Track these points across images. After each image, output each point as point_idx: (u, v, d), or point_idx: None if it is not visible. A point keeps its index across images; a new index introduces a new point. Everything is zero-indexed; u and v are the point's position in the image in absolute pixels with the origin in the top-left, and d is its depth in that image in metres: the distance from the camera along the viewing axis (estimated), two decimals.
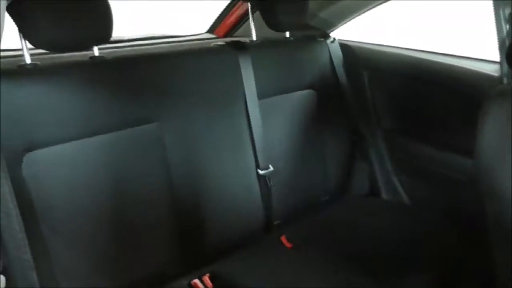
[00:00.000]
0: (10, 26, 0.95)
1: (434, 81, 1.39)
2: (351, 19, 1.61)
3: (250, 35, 1.44)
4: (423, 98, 1.44)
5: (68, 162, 1.00)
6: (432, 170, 1.46)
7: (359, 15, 1.56)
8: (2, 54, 1.16)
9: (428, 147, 1.45)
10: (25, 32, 0.95)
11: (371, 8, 1.52)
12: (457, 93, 1.33)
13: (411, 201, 1.58)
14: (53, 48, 1.00)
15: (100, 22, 1.00)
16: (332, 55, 1.55)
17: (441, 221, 1.36)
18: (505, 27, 1.07)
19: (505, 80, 1.15)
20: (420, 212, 1.47)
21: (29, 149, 0.94)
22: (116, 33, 1.06)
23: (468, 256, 1.23)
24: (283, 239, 1.30)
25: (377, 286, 1.09)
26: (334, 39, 1.59)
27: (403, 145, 1.55)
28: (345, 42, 1.61)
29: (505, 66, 1.11)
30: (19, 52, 1.01)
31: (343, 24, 1.64)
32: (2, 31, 0.49)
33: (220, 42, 1.40)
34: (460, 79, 1.31)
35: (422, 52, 1.47)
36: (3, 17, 0.48)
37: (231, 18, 1.74)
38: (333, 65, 1.55)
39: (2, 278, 0.36)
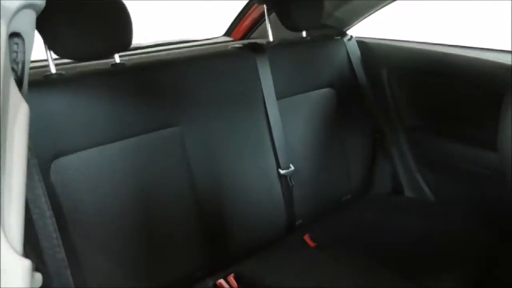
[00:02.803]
0: (36, 38, 0.99)
1: (454, 75, 1.37)
2: (367, 17, 1.60)
3: (266, 36, 1.45)
4: (444, 92, 1.42)
5: (94, 167, 1.03)
6: (456, 166, 1.43)
7: (374, 12, 1.55)
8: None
9: (452, 143, 1.43)
10: (49, 43, 0.99)
11: (386, 5, 1.50)
12: (479, 86, 1.30)
13: (436, 198, 1.55)
14: (77, 58, 1.03)
15: (120, 31, 1.03)
16: (350, 53, 1.54)
17: (468, 218, 1.34)
18: None
19: None
20: (446, 209, 1.44)
21: (57, 155, 0.98)
22: (135, 40, 1.08)
23: (499, 253, 1.20)
24: (307, 238, 1.30)
25: (403, 285, 1.08)
26: (351, 36, 1.58)
27: (425, 141, 1.53)
28: (363, 40, 1.60)
29: None
30: (45, 63, 1.04)
31: (359, 22, 1.63)
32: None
33: (237, 44, 1.42)
34: (481, 71, 1.29)
35: (441, 45, 1.45)
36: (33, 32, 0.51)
37: (247, 21, 1.75)
38: (351, 63, 1.54)
39: (38, 275, 0.38)
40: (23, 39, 0.47)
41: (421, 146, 1.55)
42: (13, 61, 0.46)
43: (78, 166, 1.01)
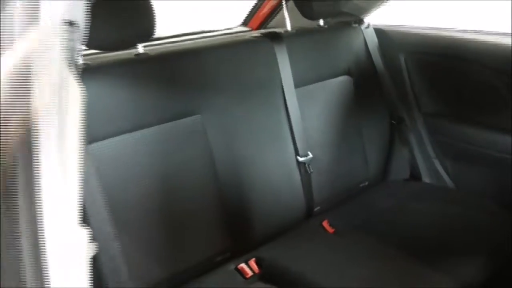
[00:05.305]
0: None
1: (473, 60, 1.36)
2: (384, 3, 1.59)
3: (283, 25, 1.46)
4: (462, 78, 1.41)
5: (117, 155, 1.05)
6: (475, 151, 1.42)
7: None
8: None
9: (471, 128, 1.42)
10: None
11: None
12: (497, 71, 1.29)
13: (455, 184, 1.55)
14: (102, 47, 1.07)
15: (143, 21, 1.05)
16: (367, 41, 1.54)
17: (487, 204, 1.33)
18: None
19: None
20: (464, 195, 1.44)
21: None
22: (157, 32, 1.11)
23: None
24: (325, 224, 1.32)
25: (422, 271, 1.08)
26: (369, 24, 1.58)
27: (444, 127, 1.53)
28: (380, 27, 1.60)
29: None
30: None
31: (377, 9, 1.62)
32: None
33: (255, 34, 1.43)
34: (500, 57, 1.27)
35: (459, 31, 1.44)
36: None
37: (264, 10, 1.76)
38: (369, 50, 1.54)
39: (92, 245, 0.40)
40: (78, 27, 0.48)
41: (439, 132, 1.55)
42: (70, 49, 0.47)
43: (101, 155, 1.03)
